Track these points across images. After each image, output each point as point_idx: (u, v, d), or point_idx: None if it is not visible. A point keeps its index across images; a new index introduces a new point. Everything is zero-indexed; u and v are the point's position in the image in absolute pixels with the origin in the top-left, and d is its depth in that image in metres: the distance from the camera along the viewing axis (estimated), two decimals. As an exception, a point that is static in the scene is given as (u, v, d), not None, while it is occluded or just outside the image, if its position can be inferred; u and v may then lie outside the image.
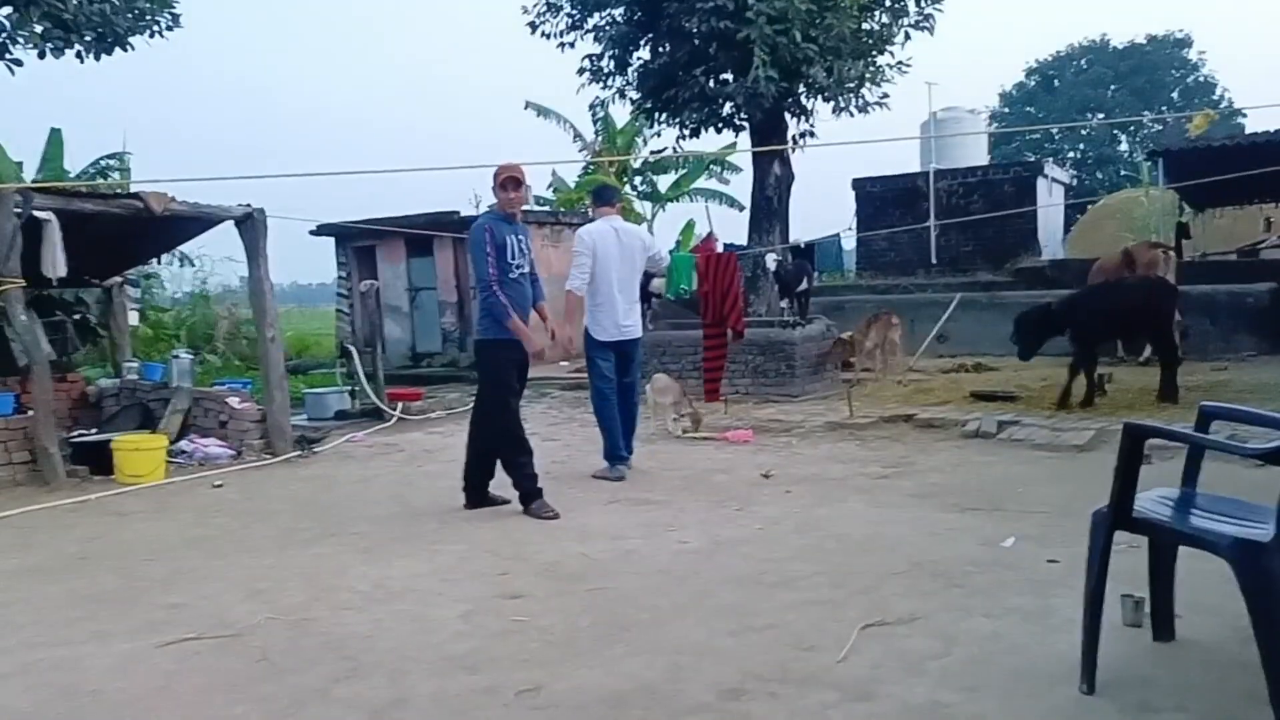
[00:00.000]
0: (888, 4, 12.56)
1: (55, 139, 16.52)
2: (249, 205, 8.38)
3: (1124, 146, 36.94)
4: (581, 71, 13.33)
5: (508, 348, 5.69)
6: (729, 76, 12.11)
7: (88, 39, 11.21)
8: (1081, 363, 8.46)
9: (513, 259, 5.70)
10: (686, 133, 13.29)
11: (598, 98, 14.39)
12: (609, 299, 6.74)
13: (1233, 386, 9.25)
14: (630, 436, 7.05)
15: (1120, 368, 10.84)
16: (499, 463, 5.83)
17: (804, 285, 13.08)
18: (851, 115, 12.65)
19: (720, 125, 13.14)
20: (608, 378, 6.82)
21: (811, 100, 12.77)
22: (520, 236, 5.80)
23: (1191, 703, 2.85)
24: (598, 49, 13.13)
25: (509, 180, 5.72)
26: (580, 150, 24.30)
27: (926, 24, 12.66)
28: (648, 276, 9.10)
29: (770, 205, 13.15)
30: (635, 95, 13.42)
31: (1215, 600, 3.39)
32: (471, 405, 6.18)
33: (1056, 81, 39.21)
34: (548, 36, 13.15)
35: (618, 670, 3.25)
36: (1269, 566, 2.65)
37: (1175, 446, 5.01)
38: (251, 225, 8.36)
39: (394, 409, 10.14)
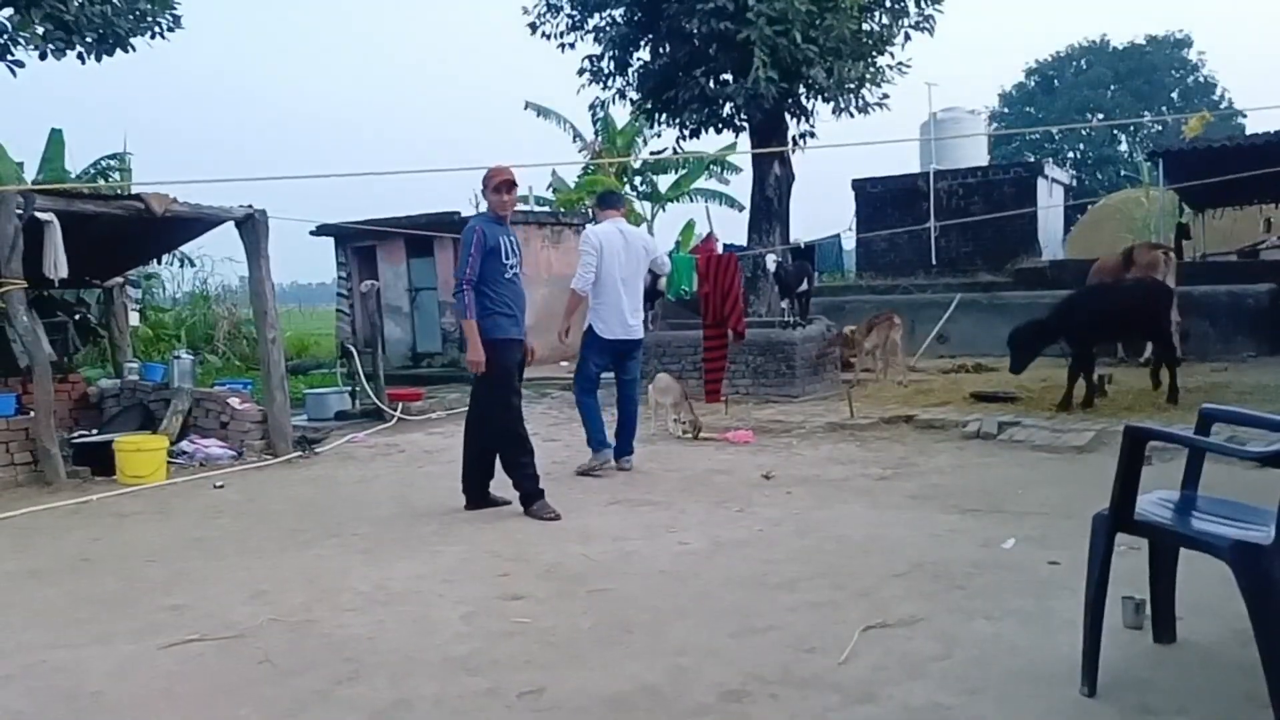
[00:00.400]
0: (888, 5, 12.59)
1: (56, 139, 16.53)
2: (250, 206, 8.38)
3: (1124, 147, 36.94)
4: (581, 72, 13.36)
5: (507, 347, 5.70)
6: (729, 77, 12.14)
7: (89, 40, 11.21)
8: (1080, 364, 8.47)
9: (507, 259, 5.73)
10: (686, 133, 13.32)
11: (598, 98, 14.38)
12: (614, 298, 6.81)
13: (1233, 388, 9.26)
14: (631, 437, 7.08)
15: (1120, 369, 10.85)
16: (499, 463, 5.84)
17: (804, 286, 13.07)
18: (851, 116, 12.70)
19: (720, 126, 13.18)
20: (593, 379, 6.99)
21: (811, 101, 12.81)
22: (512, 238, 5.85)
23: (1192, 705, 2.86)
24: (598, 50, 13.16)
25: (504, 184, 5.77)
26: (580, 150, 24.31)
27: (926, 25, 12.69)
28: (655, 277, 9.13)
29: (770, 205, 13.18)
30: (635, 96, 13.47)
31: (1216, 602, 3.39)
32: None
33: (1056, 82, 39.21)
34: (548, 37, 13.19)
35: (619, 672, 3.26)
36: (1269, 569, 2.65)
37: (1175, 448, 5.01)
38: (252, 226, 8.36)
39: (394, 409, 10.14)
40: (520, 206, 19.58)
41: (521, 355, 5.90)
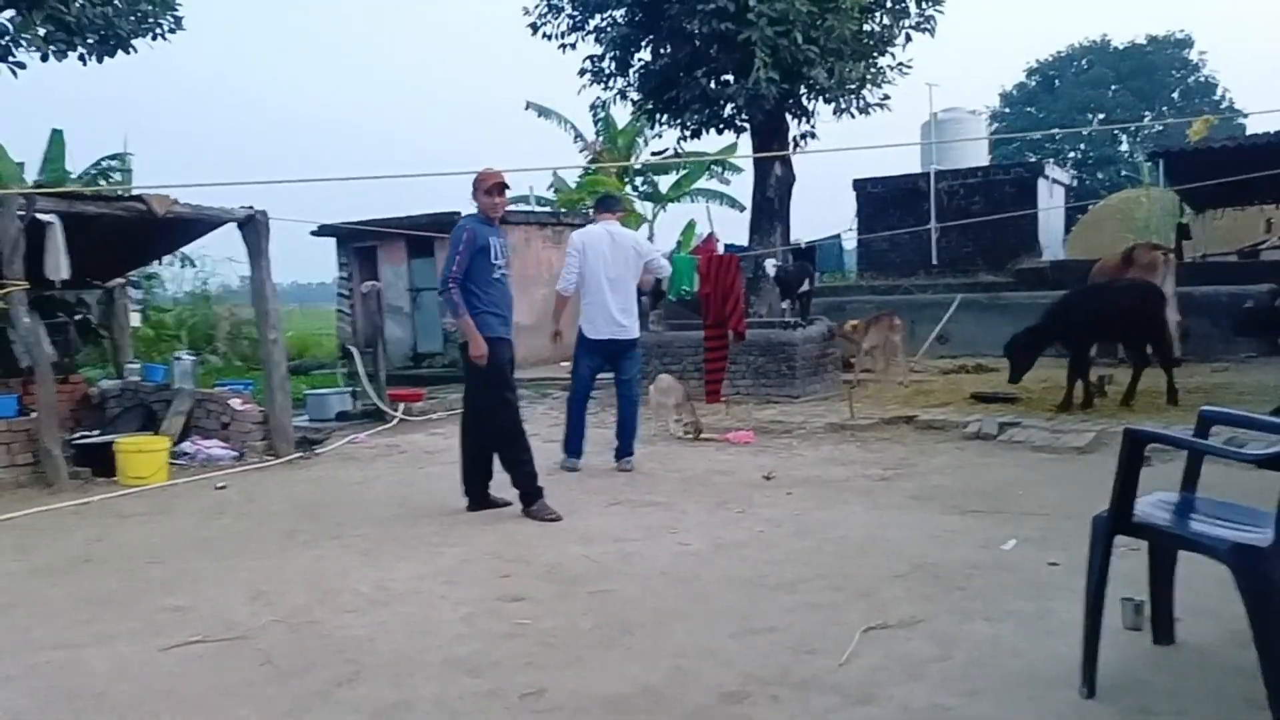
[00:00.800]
0: (888, 6, 12.59)
1: (57, 140, 16.54)
2: (251, 207, 8.39)
3: (1124, 147, 36.92)
4: (583, 73, 13.35)
5: (497, 346, 5.71)
6: (730, 78, 12.14)
7: (90, 42, 11.23)
8: (1076, 366, 8.49)
9: (495, 260, 5.76)
10: (688, 134, 13.32)
11: (599, 98, 14.39)
12: (599, 297, 6.87)
13: (1233, 388, 9.26)
14: (631, 437, 7.10)
15: (1121, 369, 10.84)
16: (499, 462, 5.84)
17: (805, 287, 13.09)
18: (853, 116, 12.70)
19: (721, 126, 13.17)
20: (583, 377, 7.08)
21: (813, 101, 12.80)
22: (501, 240, 5.87)
23: (1190, 707, 2.86)
24: (599, 50, 13.15)
25: (495, 186, 5.82)
26: (581, 150, 24.32)
27: (927, 25, 12.69)
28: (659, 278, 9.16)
29: (771, 206, 13.17)
30: (636, 96, 13.45)
31: (1215, 604, 3.40)
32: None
33: (1057, 82, 39.20)
34: (549, 38, 13.19)
35: (620, 673, 3.27)
36: (1268, 571, 2.66)
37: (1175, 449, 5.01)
38: (254, 227, 8.37)
39: (395, 410, 10.15)
40: (521, 206, 19.64)
41: (511, 354, 5.92)
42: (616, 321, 6.89)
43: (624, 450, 7.07)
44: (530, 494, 5.67)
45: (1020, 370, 9.01)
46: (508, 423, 5.76)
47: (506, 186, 5.91)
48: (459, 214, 14.85)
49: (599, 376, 7.27)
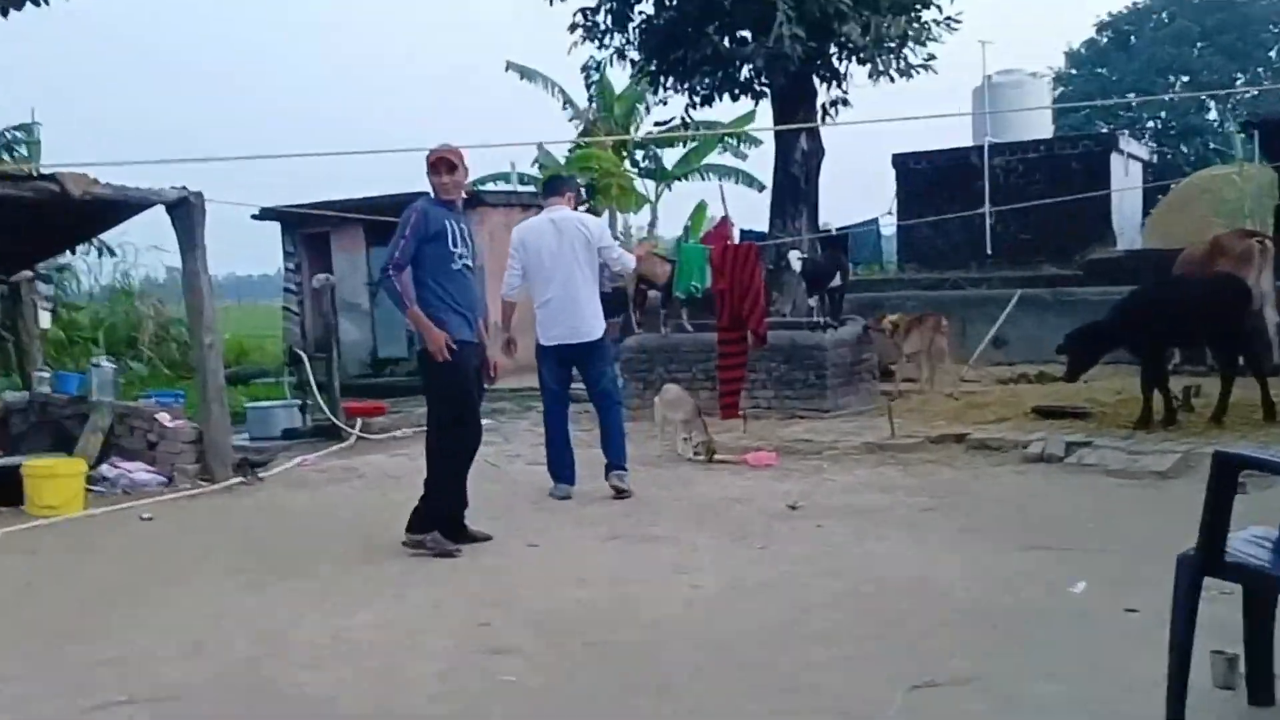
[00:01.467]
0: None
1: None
2: (183, 188, 8.42)
3: (1213, 115, 37.02)
4: (574, 28, 13.39)
5: (460, 350, 5.73)
6: (747, 34, 12.19)
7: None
8: (1150, 375, 8.51)
9: (454, 247, 5.79)
10: (697, 100, 13.37)
11: (592, 58, 14.44)
12: (545, 297, 6.96)
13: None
14: (620, 448, 7.14)
15: (1210, 379, 10.86)
16: (426, 479, 5.86)
17: (837, 280, 13.10)
18: (892, 80, 12.75)
19: (737, 92, 13.22)
20: (551, 389, 7.18)
21: (845, 62, 12.85)
22: (462, 225, 5.92)
23: (1293, 779, 2.89)
24: (593, 2, 13.20)
25: (440, 162, 5.85)
26: (570, 119, 24.39)
27: (980, -28, 12.77)
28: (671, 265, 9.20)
29: (796, 185, 13.21)
30: (637, 56, 13.50)
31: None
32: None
33: (1133, 39, 39.30)
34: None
35: (622, 739, 3.30)
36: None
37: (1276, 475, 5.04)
38: (186, 210, 8.38)
39: (352, 426, 10.18)
40: (501, 186, 19.70)
41: (478, 361, 5.95)
42: (567, 323, 6.94)
43: (614, 463, 7.07)
44: (430, 523, 5.70)
45: (1077, 369, 9.04)
46: (460, 446, 5.82)
47: (454, 164, 5.89)
48: (425, 195, 15.00)
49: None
